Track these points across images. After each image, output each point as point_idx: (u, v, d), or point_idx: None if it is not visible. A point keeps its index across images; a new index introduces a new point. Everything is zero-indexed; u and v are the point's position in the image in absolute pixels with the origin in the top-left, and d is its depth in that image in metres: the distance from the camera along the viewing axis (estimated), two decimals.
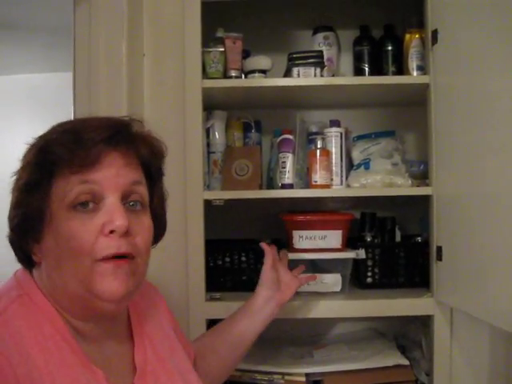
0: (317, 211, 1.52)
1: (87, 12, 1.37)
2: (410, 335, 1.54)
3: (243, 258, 1.49)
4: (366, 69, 1.55)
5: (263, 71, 1.46)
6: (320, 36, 1.57)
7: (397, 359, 1.37)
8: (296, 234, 1.42)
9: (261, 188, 1.53)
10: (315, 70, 1.42)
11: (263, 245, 1.21)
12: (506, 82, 1.01)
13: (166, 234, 0.91)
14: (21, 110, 4.25)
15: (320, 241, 1.42)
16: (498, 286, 1.04)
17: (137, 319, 0.89)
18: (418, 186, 1.43)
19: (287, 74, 1.47)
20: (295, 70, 1.42)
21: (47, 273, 0.76)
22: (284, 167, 1.45)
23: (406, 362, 1.37)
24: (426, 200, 1.38)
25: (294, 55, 1.43)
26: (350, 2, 1.63)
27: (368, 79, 1.51)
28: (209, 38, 1.43)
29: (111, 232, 0.73)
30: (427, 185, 1.40)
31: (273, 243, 1.27)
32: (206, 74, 1.42)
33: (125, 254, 0.74)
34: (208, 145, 1.51)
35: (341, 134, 1.47)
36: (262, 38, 1.61)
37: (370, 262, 1.49)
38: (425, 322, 1.43)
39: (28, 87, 4.20)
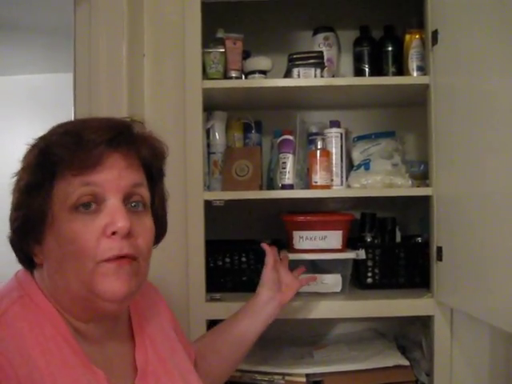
0: (317, 212, 1.52)
1: (87, 12, 1.37)
2: (411, 336, 1.54)
3: (243, 259, 1.49)
4: (366, 69, 1.55)
5: (263, 72, 1.46)
6: (320, 37, 1.57)
7: (397, 360, 1.37)
8: (296, 234, 1.42)
9: (261, 188, 1.53)
10: (315, 70, 1.42)
11: (264, 245, 1.21)
12: (506, 83, 1.01)
13: (167, 235, 0.91)
14: (21, 110, 4.25)
15: (320, 241, 1.42)
16: (499, 286, 1.05)
17: (138, 320, 0.89)
18: (418, 187, 1.43)
19: (287, 74, 1.47)
20: (295, 71, 1.42)
21: (49, 274, 0.76)
22: (284, 168, 1.45)
23: (407, 363, 1.37)
24: (426, 200, 1.38)
25: (294, 56, 1.44)
26: (350, 2, 1.63)
27: (368, 80, 1.51)
28: (209, 39, 1.43)
29: (113, 233, 0.73)
30: (427, 185, 1.40)
31: (273, 244, 1.27)
32: (206, 75, 1.42)
33: (127, 256, 0.74)
34: (208, 145, 1.51)
35: (341, 134, 1.47)
36: (263, 39, 1.62)
37: (370, 263, 1.49)
38: (425, 322, 1.43)
39: (28, 88, 4.21)
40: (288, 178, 1.45)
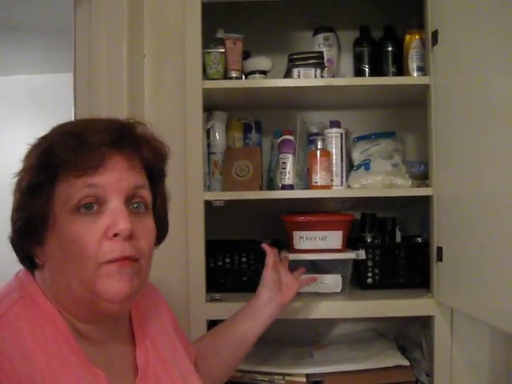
0: (317, 212, 1.52)
1: (87, 13, 1.37)
2: (411, 336, 1.54)
3: (243, 259, 1.49)
4: (366, 70, 1.55)
5: (263, 72, 1.46)
6: (320, 37, 1.57)
7: (397, 360, 1.37)
8: (296, 234, 1.42)
9: (261, 189, 1.53)
10: (315, 70, 1.42)
11: (264, 246, 1.22)
12: (506, 83, 1.01)
13: (167, 235, 0.91)
14: (21, 110, 4.26)
15: (320, 241, 1.42)
16: (499, 286, 1.05)
17: (138, 321, 0.89)
18: (418, 187, 1.43)
19: (287, 74, 1.47)
20: (295, 71, 1.42)
21: (50, 275, 0.76)
22: (284, 168, 1.45)
23: (407, 363, 1.37)
24: (426, 201, 1.38)
25: (295, 56, 1.44)
26: (350, 2, 1.63)
27: (368, 80, 1.51)
28: (209, 39, 1.43)
29: (115, 235, 0.73)
30: (427, 185, 1.40)
31: (273, 244, 1.27)
32: (206, 75, 1.42)
33: (128, 258, 0.74)
34: (208, 146, 1.51)
35: (341, 134, 1.47)
36: (263, 39, 1.61)
37: (370, 263, 1.49)
38: (425, 322, 1.43)
39: (28, 88, 4.21)
40: (288, 178, 1.45)
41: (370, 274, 1.49)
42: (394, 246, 1.51)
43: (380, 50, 1.54)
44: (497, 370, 1.35)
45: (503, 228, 1.02)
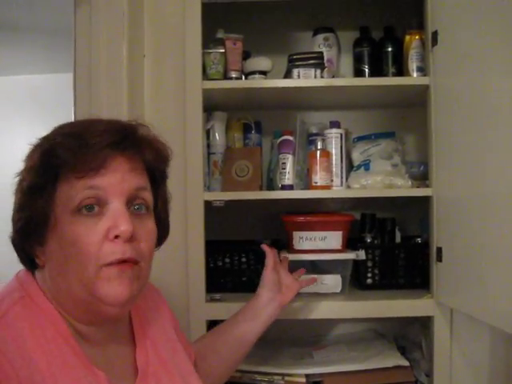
0: (317, 212, 1.52)
1: (87, 13, 1.37)
2: (410, 336, 1.54)
3: (243, 259, 1.49)
4: (366, 70, 1.55)
5: (263, 72, 1.46)
6: (320, 37, 1.57)
7: (397, 360, 1.37)
8: (296, 234, 1.42)
9: (261, 189, 1.53)
10: (315, 71, 1.42)
11: (264, 247, 1.22)
12: (506, 83, 1.01)
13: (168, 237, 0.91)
14: (21, 110, 4.25)
15: (320, 242, 1.42)
16: (498, 286, 1.05)
17: (139, 322, 0.89)
18: (417, 187, 1.43)
19: (287, 75, 1.47)
20: (295, 71, 1.42)
21: (50, 276, 0.76)
22: (284, 168, 1.46)
23: (406, 363, 1.37)
24: (425, 201, 1.39)
25: (294, 56, 1.44)
26: (350, 3, 1.63)
27: (368, 80, 1.51)
28: (209, 39, 1.43)
29: (116, 237, 0.73)
30: (427, 186, 1.40)
31: (273, 244, 1.27)
32: (206, 75, 1.42)
33: (129, 260, 0.74)
34: (208, 146, 1.51)
35: (341, 135, 1.47)
36: (263, 39, 1.62)
37: (370, 263, 1.49)
38: (425, 323, 1.43)
39: (28, 88, 4.20)
40: (288, 178, 1.45)
41: (369, 275, 1.49)
42: (394, 247, 1.52)
43: (380, 51, 1.54)
44: (497, 371, 1.35)
45: (503, 228, 1.02)
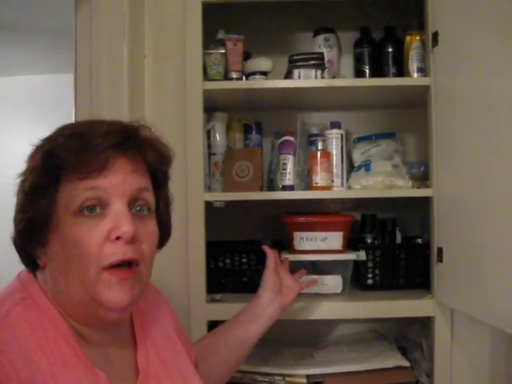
0: (317, 213, 1.52)
1: (88, 14, 1.37)
2: (411, 337, 1.54)
3: (244, 260, 1.49)
4: (367, 71, 1.55)
5: (264, 73, 1.46)
6: (321, 38, 1.57)
7: (397, 361, 1.37)
8: (297, 235, 1.42)
9: (261, 190, 1.53)
10: (316, 71, 1.42)
11: (265, 248, 1.22)
12: (506, 84, 1.01)
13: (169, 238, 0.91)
14: (21, 111, 4.25)
15: (321, 242, 1.42)
16: (499, 287, 1.05)
17: (140, 323, 0.89)
18: (418, 188, 1.43)
19: (288, 75, 1.47)
20: (296, 72, 1.42)
21: (52, 277, 0.76)
22: (285, 169, 1.46)
23: (407, 364, 1.37)
24: (426, 201, 1.39)
25: (295, 57, 1.44)
26: (351, 3, 1.63)
27: (368, 81, 1.51)
28: (210, 40, 1.43)
29: (117, 238, 0.73)
30: (428, 186, 1.40)
31: (273, 245, 1.27)
32: (206, 76, 1.42)
33: (131, 261, 0.74)
34: (209, 146, 1.51)
35: (341, 135, 1.47)
36: (263, 40, 1.62)
37: (370, 264, 1.49)
38: (425, 323, 1.43)
39: (29, 88, 4.20)
40: (288, 179, 1.45)
41: (370, 275, 1.49)
42: (395, 247, 1.51)
43: (380, 51, 1.54)
44: (497, 371, 1.35)
45: (503, 229, 1.02)
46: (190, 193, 1.36)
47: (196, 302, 1.36)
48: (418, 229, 1.61)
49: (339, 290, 1.43)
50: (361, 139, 1.60)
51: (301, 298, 1.34)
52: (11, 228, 0.77)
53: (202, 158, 1.38)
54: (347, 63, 1.65)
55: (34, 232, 0.75)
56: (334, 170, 1.46)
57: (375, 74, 1.54)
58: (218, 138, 1.52)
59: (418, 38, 1.44)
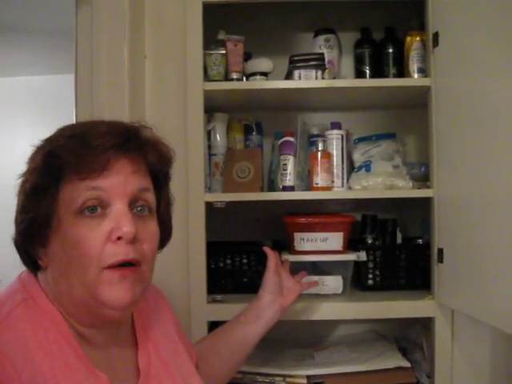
0: (318, 213, 1.51)
1: (89, 14, 1.37)
2: (411, 337, 1.54)
3: (244, 260, 1.49)
4: (367, 71, 1.55)
5: (264, 74, 1.46)
6: (321, 38, 1.57)
7: (398, 361, 1.37)
8: (297, 236, 1.42)
9: (262, 190, 1.53)
10: (316, 72, 1.42)
11: (266, 249, 1.22)
12: (506, 84, 1.01)
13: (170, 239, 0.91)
14: (22, 111, 4.26)
15: (321, 243, 1.42)
16: (499, 287, 1.05)
17: (141, 324, 0.89)
18: (418, 188, 1.43)
19: (288, 76, 1.47)
20: (296, 73, 1.42)
21: (53, 277, 0.76)
22: (285, 169, 1.46)
23: (407, 364, 1.37)
24: (426, 202, 1.39)
25: (296, 58, 1.44)
26: (351, 4, 1.63)
27: (369, 81, 1.51)
28: (210, 41, 1.44)
29: (119, 238, 0.73)
30: (428, 187, 1.40)
31: (274, 245, 1.27)
32: (207, 77, 1.42)
33: (132, 261, 0.74)
34: (209, 147, 1.51)
35: (342, 136, 1.47)
36: (264, 41, 1.62)
37: (371, 264, 1.49)
38: (426, 324, 1.43)
39: (29, 89, 4.21)
40: (289, 179, 1.45)
41: (370, 276, 1.49)
42: (395, 248, 1.51)
43: (381, 52, 1.54)
44: (498, 371, 1.35)
45: (504, 229, 1.02)
46: (191, 193, 1.37)
47: (196, 302, 1.36)
48: (418, 229, 1.61)
49: (340, 291, 1.43)
50: (361, 140, 1.60)
51: (301, 299, 1.34)
52: (12, 229, 0.77)
53: (203, 159, 1.39)
54: (348, 64, 1.65)
55: (34, 232, 0.75)
56: (335, 170, 1.46)
57: (376, 74, 1.54)
58: (218, 139, 1.53)
59: (418, 38, 1.44)
